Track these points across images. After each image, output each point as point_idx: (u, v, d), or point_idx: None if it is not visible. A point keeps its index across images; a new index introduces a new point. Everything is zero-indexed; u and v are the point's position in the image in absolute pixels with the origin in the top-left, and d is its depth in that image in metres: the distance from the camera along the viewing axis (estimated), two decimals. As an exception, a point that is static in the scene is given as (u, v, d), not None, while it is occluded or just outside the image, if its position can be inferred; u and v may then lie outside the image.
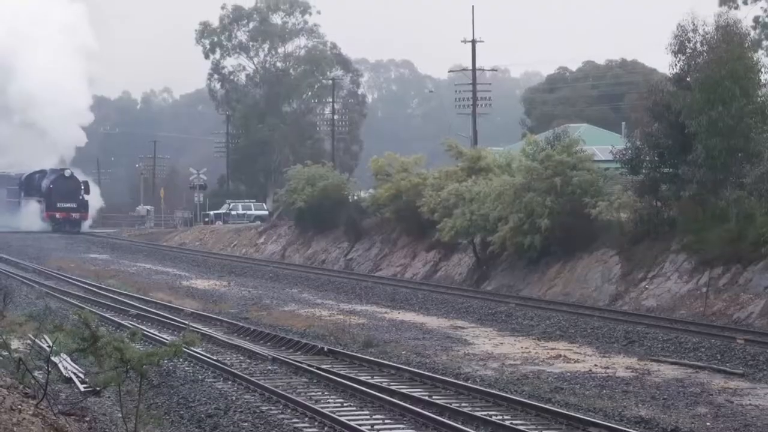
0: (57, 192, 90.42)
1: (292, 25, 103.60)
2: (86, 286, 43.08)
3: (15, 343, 24.99)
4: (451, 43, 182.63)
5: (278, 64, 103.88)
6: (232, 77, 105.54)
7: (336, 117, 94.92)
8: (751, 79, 36.70)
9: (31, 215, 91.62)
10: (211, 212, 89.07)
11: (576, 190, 41.55)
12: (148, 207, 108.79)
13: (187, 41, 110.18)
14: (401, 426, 18.86)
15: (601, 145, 56.50)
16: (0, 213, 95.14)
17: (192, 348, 21.92)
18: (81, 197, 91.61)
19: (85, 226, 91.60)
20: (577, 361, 26.14)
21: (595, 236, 41.37)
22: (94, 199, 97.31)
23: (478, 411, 19.65)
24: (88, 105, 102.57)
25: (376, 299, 40.33)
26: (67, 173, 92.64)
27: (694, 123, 36.17)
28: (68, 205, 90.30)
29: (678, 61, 38.22)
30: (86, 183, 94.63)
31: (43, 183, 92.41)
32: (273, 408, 20.11)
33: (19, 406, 16.98)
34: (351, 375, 23.04)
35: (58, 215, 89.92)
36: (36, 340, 24.82)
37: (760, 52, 51.64)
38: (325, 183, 63.16)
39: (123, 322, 31.14)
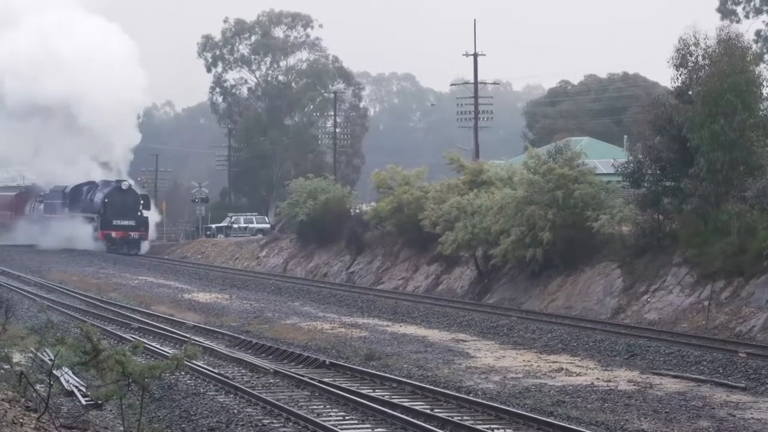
0: (113, 207, 78.57)
1: (294, 39, 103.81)
2: (88, 300, 43.07)
3: (17, 357, 24.99)
4: (453, 56, 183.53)
5: (280, 78, 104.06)
6: (234, 90, 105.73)
7: (338, 130, 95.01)
8: (753, 93, 36.71)
9: (80, 233, 79.74)
10: (213, 225, 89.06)
11: (578, 204, 41.56)
12: None
13: (190, 55, 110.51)
14: (403, 439, 18.84)
15: (602, 159, 56.54)
16: (38, 230, 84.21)
17: (193, 361, 21.91)
18: (140, 213, 79.66)
19: (145, 246, 79.45)
20: (579, 375, 26.12)
21: (597, 249, 41.37)
22: (153, 216, 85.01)
23: (479, 424, 19.63)
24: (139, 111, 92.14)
25: (378, 312, 40.32)
26: (124, 185, 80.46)
27: (695, 136, 36.19)
28: (126, 222, 78.40)
29: (680, 75, 38.27)
30: (146, 197, 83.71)
31: (95, 197, 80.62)
32: (275, 421, 20.09)
33: (21, 420, 16.98)
34: (353, 388, 23.02)
35: (114, 234, 77.99)
36: (38, 353, 24.80)
37: (762, 65, 51.65)
38: (327, 196, 63.19)
39: (125, 336, 31.14)
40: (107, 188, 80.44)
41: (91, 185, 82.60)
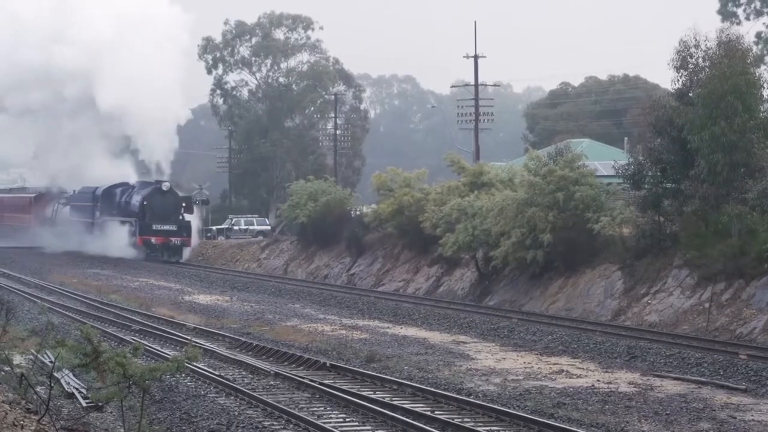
0: (152, 210, 70.85)
1: (294, 41, 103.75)
2: (88, 302, 43.08)
3: (17, 359, 25.02)
4: (453, 58, 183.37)
5: (281, 80, 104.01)
6: (234, 92, 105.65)
7: (338, 132, 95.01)
8: (753, 95, 36.71)
9: (114, 239, 72.25)
10: (213, 227, 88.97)
11: (578, 205, 41.56)
12: None
13: (190, 57, 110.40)
14: (404, 441, 18.84)
15: (603, 160, 56.54)
16: (63, 235, 78.25)
17: (194, 363, 21.92)
18: (181, 217, 72.08)
19: (186, 253, 72.27)
20: (579, 377, 26.12)
21: (597, 251, 41.38)
22: (195, 220, 76.78)
23: (480, 426, 19.64)
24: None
25: (379, 314, 40.32)
26: (165, 187, 71.74)
27: (696, 138, 36.19)
28: (167, 227, 70.59)
29: (680, 77, 38.28)
30: (188, 199, 75.51)
31: (132, 199, 72.90)
32: (275, 423, 20.09)
33: (22, 422, 16.99)
34: (353, 390, 23.02)
35: (154, 240, 70.28)
36: (38, 355, 24.82)
37: (763, 67, 51.58)
38: (328, 198, 63.21)
39: (125, 338, 31.13)
40: (146, 189, 72.50)
41: (126, 186, 75.43)
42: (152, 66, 72.80)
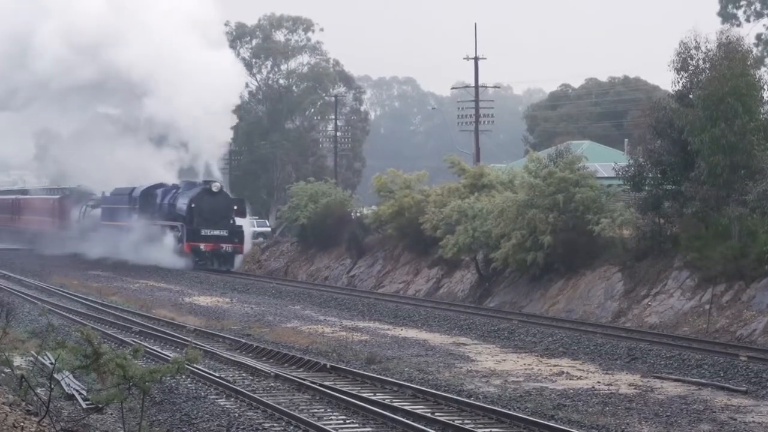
0: (201, 214, 62.98)
1: (294, 43, 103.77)
2: (89, 303, 43.08)
3: (17, 360, 25.04)
4: (453, 60, 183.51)
5: (281, 81, 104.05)
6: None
7: (339, 134, 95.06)
8: (753, 97, 36.72)
9: (157, 245, 64.63)
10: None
11: (579, 207, 41.57)
12: None
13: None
14: (404, 443, 18.82)
15: (603, 162, 56.61)
16: (95, 240, 71.51)
17: (194, 365, 21.92)
18: (232, 221, 64.25)
19: (238, 261, 65.05)
20: (579, 378, 26.11)
21: (597, 253, 41.38)
22: (247, 224, 68.20)
23: (480, 428, 19.64)
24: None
25: (379, 316, 40.32)
26: (215, 187, 63.79)
27: (696, 140, 36.19)
28: (217, 232, 62.74)
29: (680, 78, 38.28)
30: (241, 201, 67.71)
31: (178, 201, 64.93)
32: (276, 425, 20.09)
33: (22, 424, 17.00)
34: (353, 392, 23.02)
35: (203, 246, 62.41)
36: (38, 357, 24.84)
37: (763, 69, 51.61)
38: (328, 200, 63.20)
39: (125, 339, 31.13)
40: (193, 190, 64.60)
41: (167, 187, 68.04)
42: (197, 62, 66.88)
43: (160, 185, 68.46)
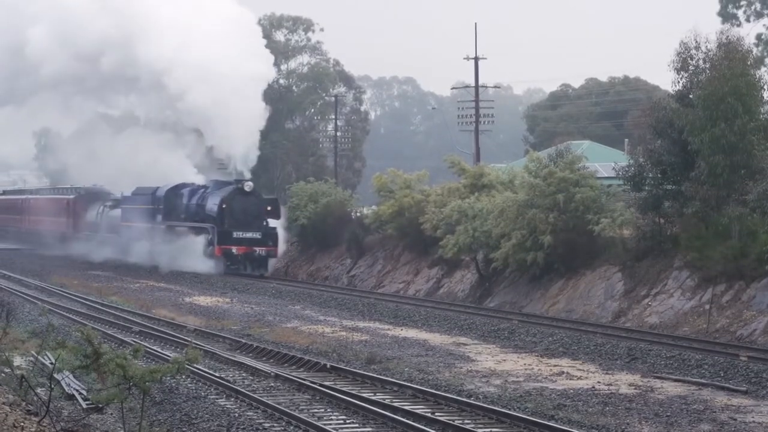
0: (233, 215, 59.32)
1: (295, 43, 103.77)
2: (89, 303, 43.08)
3: (18, 360, 25.05)
4: (454, 60, 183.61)
5: (281, 81, 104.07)
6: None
7: (339, 134, 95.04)
8: (753, 96, 36.73)
9: (185, 249, 60.82)
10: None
11: (579, 207, 41.57)
12: None
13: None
14: (404, 443, 18.82)
15: (603, 162, 56.62)
16: (116, 243, 68.39)
17: (194, 365, 21.92)
18: (266, 223, 60.39)
19: (271, 265, 61.14)
20: (580, 378, 26.12)
21: (597, 253, 41.39)
22: (281, 226, 62.74)
23: (480, 428, 19.64)
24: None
25: (379, 316, 40.32)
26: (247, 187, 60.12)
27: (696, 140, 36.19)
28: (250, 234, 59.08)
29: (681, 78, 38.29)
30: (275, 201, 62.98)
31: (207, 201, 61.19)
32: (276, 425, 20.09)
33: (22, 423, 17.01)
34: (353, 392, 23.02)
35: (235, 250, 58.76)
36: (39, 357, 24.85)
37: (763, 69, 51.63)
38: (328, 200, 63.18)
39: (126, 339, 31.14)
40: (224, 190, 60.96)
41: (194, 187, 64.39)
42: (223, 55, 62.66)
43: (186, 184, 65.01)
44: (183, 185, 64.89)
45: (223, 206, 59.45)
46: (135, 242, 65.58)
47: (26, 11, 69.32)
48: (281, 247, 61.47)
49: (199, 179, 66.15)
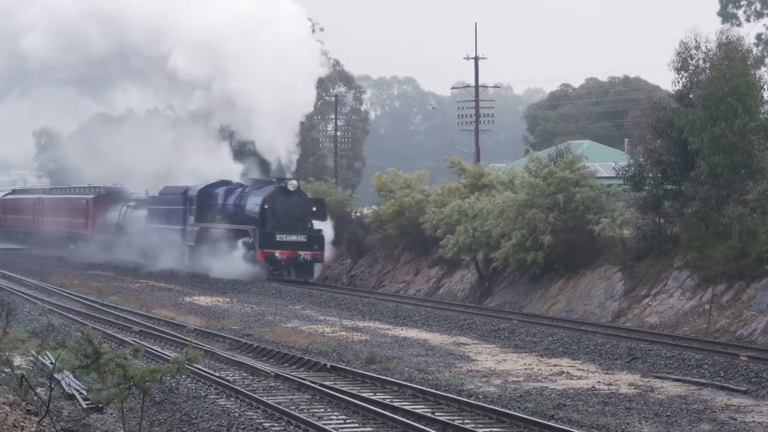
0: (276, 217, 54.66)
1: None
2: (89, 303, 43.07)
3: (18, 360, 25.03)
4: (454, 60, 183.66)
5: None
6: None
7: (339, 133, 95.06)
8: (753, 96, 36.74)
9: (222, 253, 55.96)
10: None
11: (579, 207, 41.59)
12: None
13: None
14: (404, 443, 18.81)
15: (603, 162, 56.65)
16: (142, 246, 63.58)
17: (194, 364, 21.92)
18: (311, 225, 55.62)
19: (318, 270, 56.37)
20: (580, 378, 26.11)
21: (597, 253, 41.40)
22: (328, 228, 57.54)
23: (481, 428, 19.64)
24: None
25: (379, 315, 40.31)
26: (291, 186, 55.33)
27: (696, 140, 36.21)
28: (294, 238, 54.24)
29: (681, 78, 38.32)
30: (320, 202, 57.63)
31: (247, 201, 56.51)
32: (276, 425, 20.09)
33: (22, 423, 17.01)
34: (353, 391, 23.01)
35: (278, 254, 53.97)
36: (39, 356, 24.85)
37: (763, 68, 51.62)
38: (328, 199, 63.15)
39: (126, 339, 31.13)
40: (265, 189, 56.32)
41: (231, 186, 59.51)
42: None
43: (221, 183, 59.92)
44: (218, 184, 59.99)
45: (266, 207, 54.73)
46: (163, 245, 61.17)
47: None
48: (328, 251, 56.72)
49: (233, 177, 61.12)
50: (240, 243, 55.33)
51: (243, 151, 64.90)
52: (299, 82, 57.69)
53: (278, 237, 53.89)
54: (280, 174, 57.27)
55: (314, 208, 55.83)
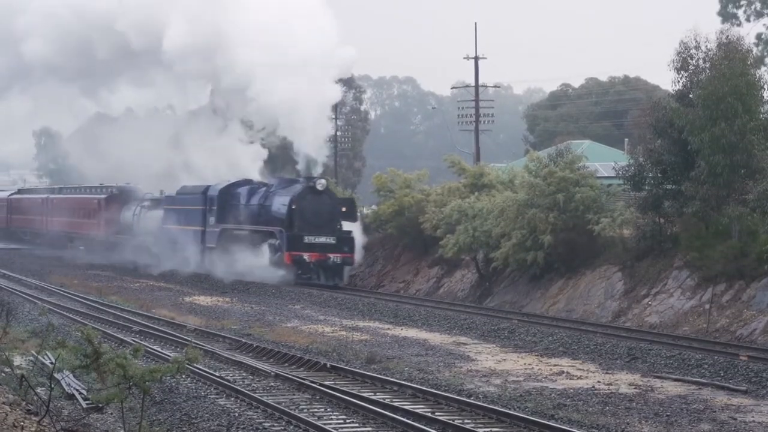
0: (304, 217, 51.99)
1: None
2: (89, 303, 43.07)
3: (18, 360, 25.04)
4: (454, 60, 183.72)
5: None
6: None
7: (339, 133, 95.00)
8: (753, 96, 36.74)
9: (247, 255, 53.30)
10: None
11: (579, 207, 41.59)
12: None
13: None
14: (404, 443, 18.81)
15: (603, 162, 56.65)
16: (159, 249, 61.20)
17: (194, 364, 21.92)
18: (340, 226, 53.09)
19: (346, 273, 53.78)
20: (579, 378, 26.12)
21: (597, 252, 41.41)
22: (357, 229, 55.15)
23: (480, 427, 19.64)
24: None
25: (379, 315, 40.31)
26: (319, 186, 52.70)
27: (696, 139, 36.21)
28: (323, 240, 51.70)
29: (681, 78, 38.32)
30: (350, 202, 55.52)
31: (273, 202, 53.77)
32: (276, 425, 20.08)
33: (22, 423, 17.01)
34: (353, 391, 23.01)
35: (306, 257, 51.26)
36: (39, 356, 24.85)
37: (763, 68, 51.61)
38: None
39: (126, 339, 31.12)
40: (292, 189, 53.68)
41: (254, 185, 57.01)
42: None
43: (244, 182, 57.44)
44: (241, 183, 57.42)
45: (293, 207, 52.02)
46: (181, 247, 58.75)
47: None
48: (358, 253, 54.40)
49: (254, 176, 59.29)
50: (266, 245, 53.00)
51: (269, 146, 63.29)
52: (325, 77, 55.57)
53: (306, 239, 51.52)
54: (306, 173, 54.99)
55: (344, 209, 53.48)
